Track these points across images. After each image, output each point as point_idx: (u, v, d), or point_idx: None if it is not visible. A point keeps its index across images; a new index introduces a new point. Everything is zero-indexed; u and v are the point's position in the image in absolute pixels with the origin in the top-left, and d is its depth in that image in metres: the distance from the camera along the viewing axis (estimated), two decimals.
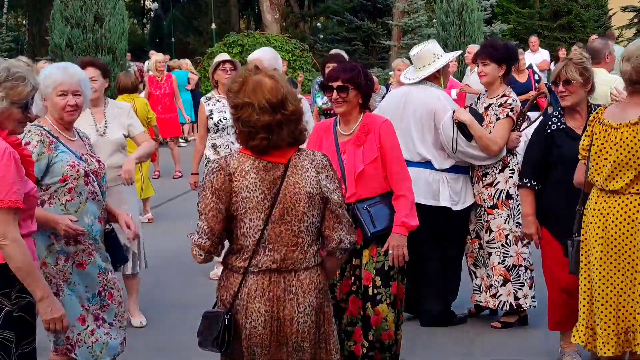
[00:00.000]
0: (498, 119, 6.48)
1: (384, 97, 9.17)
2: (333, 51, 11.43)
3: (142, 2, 51.72)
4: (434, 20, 24.34)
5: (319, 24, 44.23)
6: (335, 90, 5.04)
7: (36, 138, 4.63)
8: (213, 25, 31.61)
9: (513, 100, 6.48)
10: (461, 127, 6.35)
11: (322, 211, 3.76)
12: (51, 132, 4.73)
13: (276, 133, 3.64)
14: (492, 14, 28.93)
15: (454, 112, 6.43)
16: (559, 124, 5.61)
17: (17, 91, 3.84)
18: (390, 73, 13.25)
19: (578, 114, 5.57)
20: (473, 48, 11.41)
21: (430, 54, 6.58)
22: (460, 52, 8.24)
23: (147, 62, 23.88)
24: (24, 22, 44.60)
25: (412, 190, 5.17)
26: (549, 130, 5.63)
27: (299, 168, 3.70)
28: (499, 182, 6.48)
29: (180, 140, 17.00)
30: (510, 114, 6.43)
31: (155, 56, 17.11)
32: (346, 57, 9.74)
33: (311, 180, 3.70)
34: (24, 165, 3.87)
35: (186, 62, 21.03)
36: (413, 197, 5.18)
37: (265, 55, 6.78)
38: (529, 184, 5.74)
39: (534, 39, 20.59)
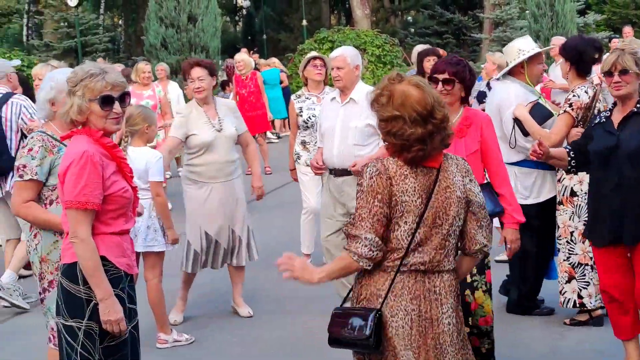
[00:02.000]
0: None
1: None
2: (419, 46, 11.48)
3: (234, 0, 52.34)
4: (526, 12, 24.08)
5: (409, 18, 44.13)
6: (440, 83, 5.15)
7: (38, 144, 4.81)
8: (304, 22, 31.87)
9: (574, 96, 6.43)
10: (519, 122, 6.44)
11: (466, 214, 3.80)
12: (54, 136, 4.87)
13: (429, 143, 3.64)
14: (585, 4, 28.44)
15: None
16: (602, 116, 5.52)
17: (90, 87, 3.96)
18: (482, 66, 13.18)
19: (627, 105, 5.48)
20: (558, 40, 11.26)
21: (515, 50, 6.67)
22: (547, 48, 8.26)
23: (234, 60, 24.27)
24: (120, 22, 45.61)
25: (511, 186, 5.35)
26: (592, 124, 5.59)
27: (449, 173, 3.74)
28: (564, 178, 6.47)
29: (270, 135, 17.19)
30: (568, 109, 6.39)
31: (238, 55, 17.06)
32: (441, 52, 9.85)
33: (460, 185, 3.74)
34: (118, 166, 4.07)
35: (275, 61, 21.18)
36: (513, 193, 5.36)
37: (348, 52, 6.89)
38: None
39: (627, 29, 20.14)
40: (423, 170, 3.68)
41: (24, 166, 4.69)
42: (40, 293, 4.95)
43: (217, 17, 22.22)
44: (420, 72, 9.00)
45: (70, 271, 3.98)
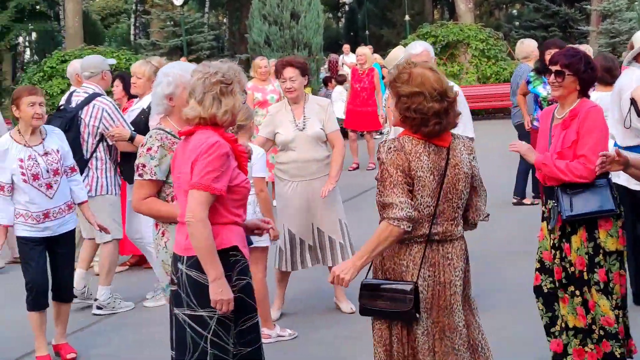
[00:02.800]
0: None
1: None
2: (524, 40, 11.27)
3: None
4: (635, 3, 23.41)
5: (514, 11, 43.47)
6: (553, 74, 5.09)
7: (157, 143, 4.74)
8: (407, 17, 31.71)
9: None
10: (636, 103, 6.32)
11: (471, 188, 4.22)
12: (172, 133, 4.79)
13: (445, 118, 4.05)
14: None
15: None
16: None
17: (242, 84, 4.27)
18: None
19: None
20: None
21: None
22: None
23: (341, 56, 24.30)
24: (224, 20, 46.26)
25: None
26: None
27: (457, 151, 4.13)
28: None
29: (375, 133, 17.14)
30: None
31: (360, 49, 17.00)
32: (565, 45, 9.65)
33: (466, 162, 4.15)
34: (237, 160, 4.20)
35: (376, 57, 21.11)
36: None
37: (429, 47, 6.86)
38: None
39: None
40: (435, 149, 4.07)
41: (143, 165, 4.69)
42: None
43: (320, 14, 22.27)
44: (543, 64, 8.83)
45: (199, 262, 4.09)
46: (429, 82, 4.03)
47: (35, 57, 42.16)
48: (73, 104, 7.64)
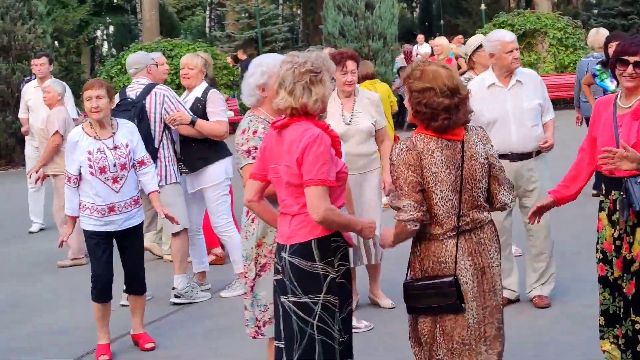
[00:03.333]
0: None
1: None
2: (599, 29, 11.03)
3: None
4: None
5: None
6: (631, 65, 4.92)
7: (261, 126, 4.81)
8: (482, 6, 31.30)
9: None
10: None
11: (489, 176, 4.34)
12: (268, 121, 4.80)
13: (454, 114, 4.18)
14: None
15: None
16: None
17: (330, 72, 4.34)
18: None
19: None
20: None
21: None
22: None
23: (415, 46, 24.12)
24: (299, 12, 46.36)
25: None
26: None
27: (472, 143, 4.26)
28: None
29: None
30: None
31: (438, 39, 16.83)
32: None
33: (482, 152, 4.27)
34: (333, 146, 4.25)
35: (452, 47, 20.88)
36: None
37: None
38: None
39: None
40: (448, 144, 4.20)
41: (255, 148, 4.72)
42: (251, 280, 4.90)
43: (395, 4, 22.15)
44: (607, 56, 8.64)
45: (305, 249, 4.20)
46: (440, 79, 4.17)
47: (113, 51, 42.80)
48: (132, 97, 7.69)
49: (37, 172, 9.77)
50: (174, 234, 7.73)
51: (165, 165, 7.66)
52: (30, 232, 11.53)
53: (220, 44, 31.10)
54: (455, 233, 4.22)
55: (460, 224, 4.22)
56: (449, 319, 4.24)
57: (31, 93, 11.54)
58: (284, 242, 4.28)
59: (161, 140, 7.68)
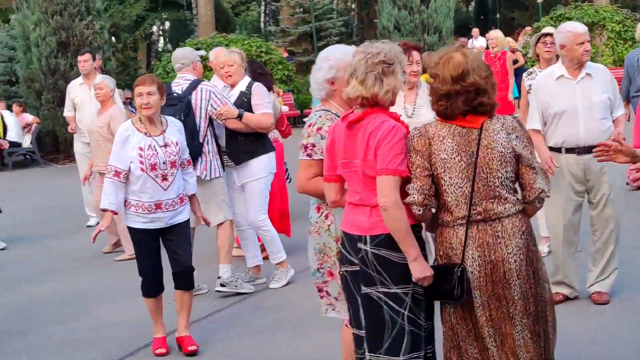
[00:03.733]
0: None
1: None
2: None
3: None
4: None
5: None
6: None
7: (327, 123, 4.77)
8: None
9: None
10: None
11: (515, 166, 4.22)
12: (338, 115, 4.79)
13: (452, 101, 4.19)
14: None
15: None
16: None
17: (403, 64, 4.39)
18: None
19: None
20: None
21: None
22: None
23: (471, 40, 23.94)
24: (353, 6, 46.24)
25: None
26: None
27: (491, 131, 4.19)
28: None
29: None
30: None
31: (493, 32, 16.72)
32: None
33: (502, 141, 4.17)
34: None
35: (509, 40, 20.64)
36: None
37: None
38: None
39: None
40: (461, 131, 4.20)
41: (313, 145, 4.73)
42: (331, 274, 4.88)
43: None
44: None
45: (391, 240, 4.22)
46: (446, 66, 4.21)
47: (169, 46, 43.15)
48: (178, 92, 7.76)
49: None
50: (219, 225, 7.83)
51: (210, 160, 7.74)
52: (88, 226, 11.64)
53: (274, 38, 31.16)
54: (465, 221, 4.21)
55: (471, 213, 4.20)
56: (462, 303, 4.27)
57: (77, 90, 11.59)
58: (363, 233, 4.30)
59: (205, 135, 7.76)
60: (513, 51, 18.61)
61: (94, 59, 11.48)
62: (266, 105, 7.89)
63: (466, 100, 4.19)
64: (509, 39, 21.14)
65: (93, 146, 10.14)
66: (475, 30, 25.38)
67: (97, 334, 7.15)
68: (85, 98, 10.99)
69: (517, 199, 4.28)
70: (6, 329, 7.48)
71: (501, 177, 4.19)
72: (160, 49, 45.11)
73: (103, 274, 9.23)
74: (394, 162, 4.17)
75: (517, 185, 4.31)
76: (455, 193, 4.20)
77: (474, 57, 4.26)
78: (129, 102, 18.03)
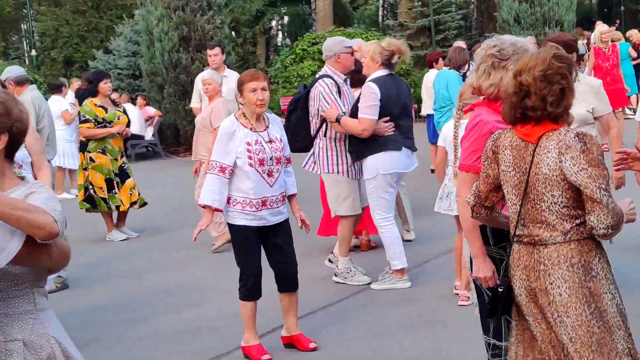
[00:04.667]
0: None
1: None
2: None
3: None
4: None
5: None
6: None
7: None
8: None
9: None
10: None
11: (570, 192, 3.74)
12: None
13: (506, 103, 3.90)
14: None
15: None
16: None
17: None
18: None
19: None
20: None
21: None
22: None
23: (593, 34, 23.35)
24: None
25: None
26: None
27: (542, 148, 3.77)
28: None
29: (627, 110, 16.43)
30: None
31: (600, 27, 16.59)
32: None
33: (549, 162, 3.73)
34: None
35: (635, 33, 20.07)
36: None
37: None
38: None
39: None
40: (519, 144, 3.84)
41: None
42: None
43: None
44: None
45: (482, 234, 4.28)
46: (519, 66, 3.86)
47: (287, 41, 43.53)
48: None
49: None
50: (342, 217, 7.94)
51: (320, 155, 7.91)
52: None
53: (393, 32, 31.04)
54: (516, 240, 3.93)
55: (518, 233, 3.90)
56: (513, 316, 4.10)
57: None
58: None
59: (318, 130, 7.86)
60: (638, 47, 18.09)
61: (222, 52, 11.67)
62: (364, 109, 7.58)
63: (513, 104, 3.85)
64: (618, 32, 20.58)
65: (195, 137, 10.40)
66: (598, 23, 24.73)
67: (216, 323, 7.26)
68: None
69: (575, 226, 3.78)
70: (129, 316, 7.69)
71: (547, 202, 3.77)
72: (278, 44, 45.57)
73: (224, 264, 9.33)
74: (470, 158, 4.25)
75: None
76: (511, 209, 3.94)
77: (543, 55, 3.81)
78: None
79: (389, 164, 7.70)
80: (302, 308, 6.67)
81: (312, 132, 7.88)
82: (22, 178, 3.37)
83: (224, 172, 6.09)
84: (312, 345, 6.38)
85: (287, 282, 6.33)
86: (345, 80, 8.11)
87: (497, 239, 4.26)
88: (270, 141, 6.19)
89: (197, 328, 7.16)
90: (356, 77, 8.60)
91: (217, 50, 11.56)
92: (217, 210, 6.20)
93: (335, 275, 8.07)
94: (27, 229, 2.85)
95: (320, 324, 7.01)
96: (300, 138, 7.89)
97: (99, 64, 23.75)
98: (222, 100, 9.84)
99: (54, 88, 16.24)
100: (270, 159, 6.14)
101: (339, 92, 7.87)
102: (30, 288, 3.15)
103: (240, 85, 6.17)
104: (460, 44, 13.22)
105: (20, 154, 6.31)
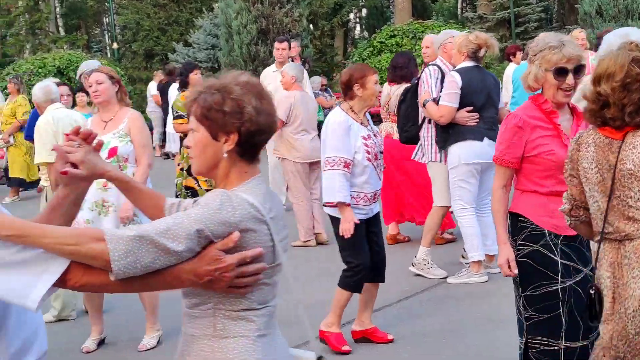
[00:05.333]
0: None
1: None
2: None
3: None
4: None
5: None
6: None
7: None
8: None
9: None
10: None
11: None
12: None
13: (587, 106, 3.84)
14: None
15: None
16: None
17: (547, 58, 4.40)
18: None
19: None
20: None
21: None
22: None
23: None
24: None
25: None
26: None
27: (628, 144, 3.72)
28: None
29: None
30: None
31: None
32: None
33: (634, 158, 3.68)
34: (555, 131, 4.46)
35: None
36: None
37: None
38: None
39: None
40: (603, 141, 3.78)
41: None
42: None
43: None
44: None
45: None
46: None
47: (365, 33, 43.49)
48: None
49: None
50: (438, 206, 8.08)
51: (428, 144, 8.04)
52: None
53: (472, 25, 30.78)
54: (599, 237, 3.85)
55: (605, 230, 3.81)
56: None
57: (270, 77, 11.78)
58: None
59: (423, 121, 8.03)
60: None
61: (289, 48, 11.77)
62: (444, 97, 7.67)
63: (593, 112, 3.81)
64: None
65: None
66: None
67: (296, 313, 7.27)
68: (277, 85, 11.24)
69: None
70: None
71: (634, 197, 3.72)
72: (356, 36, 45.57)
73: (305, 255, 9.40)
74: (499, 151, 4.55)
75: None
76: (593, 207, 3.87)
77: (622, 61, 3.71)
78: (324, 89, 18.32)
79: (470, 153, 7.70)
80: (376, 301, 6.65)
81: (419, 120, 8.05)
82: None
83: (348, 167, 6.02)
84: (390, 337, 6.38)
85: (381, 272, 6.35)
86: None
87: (513, 232, 4.56)
88: (375, 135, 6.25)
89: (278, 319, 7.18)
90: (398, 74, 8.83)
91: (286, 44, 11.67)
92: (347, 205, 6.01)
93: (413, 265, 8.09)
94: (85, 261, 2.58)
95: (394, 318, 7.00)
96: (408, 127, 8.07)
97: (179, 57, 24.09)
98: (287, 94, 9.99)
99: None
100: (380, 152, 6.22)
101: (443, 79, 7.95)
102: (213, 310, 2.78)
103: (361, 77, 6.12)
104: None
105: (127, 148, 6.46)
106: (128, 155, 6.48)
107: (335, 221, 6.17)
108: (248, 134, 2.78)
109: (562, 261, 4.39)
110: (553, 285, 4.40)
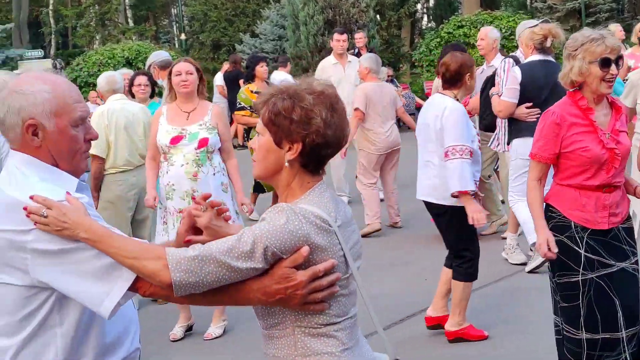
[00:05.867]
0: None
1: None
2: None
3: None
4: None
5: None
6: None
7: None
8: None
9: None
10: None
11: None
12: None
13: None
14: None
15: None
16: None
17: (591, 50, 4.41)
18: None
19: None
20: None
21: None
22: None
23: None
24: None
25: None
26: None
27: None
28: None
29: None
30: None
31: None
32: None
33: None
34: (592, 126, 4.50)
35: None
36: None
37: None
38: None
39: None
40: None
41: None
42: None
43: None
44: None
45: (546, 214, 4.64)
46: None
47: (432, 24, 43.22)
48: None
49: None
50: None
51: (502, 134, 8.18)
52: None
53: (541, 15, 30.37)
54: None
55: None
56: None
57: (330, 69, 11.63)
58: None
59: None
60: None
61: (349, 38, 11.81)
62: (505, 91, 7.64)
63: None
64: None
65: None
66: None
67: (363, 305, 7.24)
68: (338, 77, 11.16)
69: None
70: None
71: None
72: (423, 27, 45.31)
73: (368, 248, 9.31)
74: (536, 146, 4.63)
75: None
76: None
77: None
78: (390, 80, 18.23)
79: (526, 149, 7.53)
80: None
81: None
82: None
83: (472, 155, 6.00)
84: (485, 333, 6.32)
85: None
86: None
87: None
88: None
89: None
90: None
91: (346, 36, 11.69)
92: (470, 193, 5.96)
93: (504, 250, 8.38)
94: (142, 276, 2.59)
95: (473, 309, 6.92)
96: (486, 115, 8.25)
97: (246, 48, 24.21)
98: (362, 85, 9.94)
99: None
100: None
101: None
102: (292, 329, 2.70)
103: (472, 66, 6.12)
104: (614, 27, 12.77)
105: (216, 139, 6.53)
106: (215, 147, 6.55)
107: (446, 212, 6.12)
108: (313, 146, 2.68)
109: (587, 254, 4.47)
110: (574, 276, 4.51)
